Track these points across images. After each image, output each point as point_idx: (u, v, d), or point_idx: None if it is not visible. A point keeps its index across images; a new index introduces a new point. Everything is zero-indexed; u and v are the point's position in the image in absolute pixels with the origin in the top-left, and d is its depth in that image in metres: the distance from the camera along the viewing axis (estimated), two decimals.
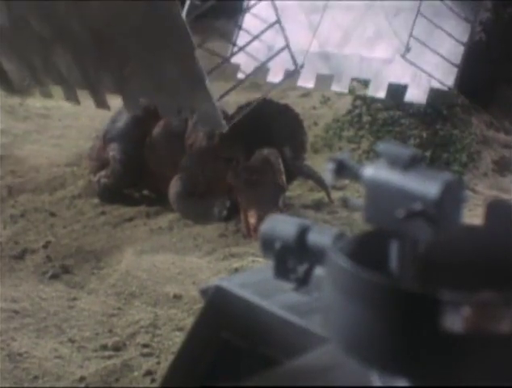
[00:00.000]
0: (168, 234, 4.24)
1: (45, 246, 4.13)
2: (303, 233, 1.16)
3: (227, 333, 1.32)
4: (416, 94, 4.48)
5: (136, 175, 4.38)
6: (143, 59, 3.83)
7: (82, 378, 3.04)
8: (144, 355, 3.18)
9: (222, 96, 3.68)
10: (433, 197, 0.87)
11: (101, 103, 4.14)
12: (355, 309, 0.87)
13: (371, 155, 4.90)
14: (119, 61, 3.96)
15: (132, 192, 4.65)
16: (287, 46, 3.91)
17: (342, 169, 0.99)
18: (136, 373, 3.08)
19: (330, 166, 1.00)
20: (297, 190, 4.77)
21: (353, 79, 4.73)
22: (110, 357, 3.17)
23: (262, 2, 4.19)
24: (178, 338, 3.24)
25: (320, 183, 4.53)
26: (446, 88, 4.50)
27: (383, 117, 5.22)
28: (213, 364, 1.35)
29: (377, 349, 0.87)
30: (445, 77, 4.45)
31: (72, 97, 4.35)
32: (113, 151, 4.49)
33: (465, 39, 4.60)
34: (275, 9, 3.93)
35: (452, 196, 0.89)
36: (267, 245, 1.19)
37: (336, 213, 4.48)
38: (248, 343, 1.28)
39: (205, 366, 1.37)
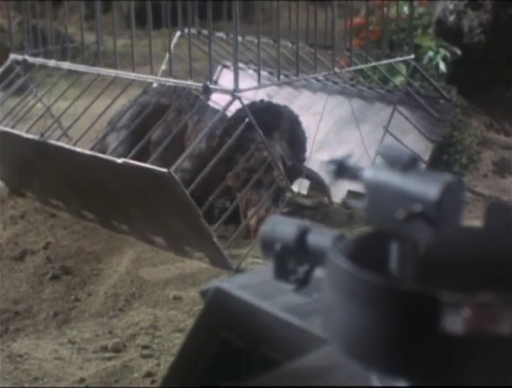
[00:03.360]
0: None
1: (45, 248, 4.13)
2: (303, 234, 1.16)
3: (227, 334, 1.32)
4: None
5: None
6: (148, 213, 4.08)
7: (82, 379, 3.04)
8: (144, 356, 3.18)
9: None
10: (433, 199, 0.87)
11: (106, 226, 4.33)
12: (355, 311, 0.87)
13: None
14: (123, 205, 4.21)
15: None
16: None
17: (341, 170, 0.99)
18: (136, 375, 3.08)
19: (330, 167, 1.00)
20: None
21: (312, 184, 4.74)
22: (110, 359, 3.17)
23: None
24: (178, 339, 3.24)
25: (320, 184, 4.53)
26: None
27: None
28: (213, 366, 1.36)
29: (377, 350, 0.87)
30: None
31: (75, 214, 4.53)
32: (114, 154, 4.49)
33: (434, 137, 4.75)
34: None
35: (452, 198, 0.89)
36: (267, 246, 1.19)
37: (336, 214, 4.48)
38: (248, 345, 1.28)
39: (205, 367, 1.37)
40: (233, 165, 4.12)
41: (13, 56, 5.14)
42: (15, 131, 4.61)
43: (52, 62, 4.95)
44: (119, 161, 3.94)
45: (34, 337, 3.35)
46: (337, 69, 4.57)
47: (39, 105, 4.98)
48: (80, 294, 3.71)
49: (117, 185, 4.14)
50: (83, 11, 4.96)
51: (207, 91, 4.15)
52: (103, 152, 4.54)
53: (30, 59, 5.06)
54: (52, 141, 4.39)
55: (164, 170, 3.76)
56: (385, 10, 4.97)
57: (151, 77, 4.48)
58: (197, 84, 4.22)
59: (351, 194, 4.37)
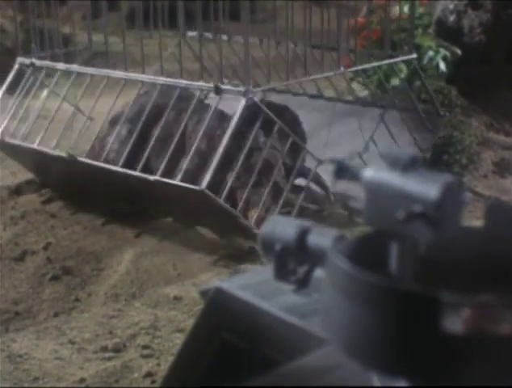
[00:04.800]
0: (168, 235, 4.24)
1: (45, 248, 4.13)
2: (303, 234, 1.16)
3: (227, 334, 1.32)
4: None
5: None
6: (187, 212, 4.33)
7: (82, 379, 3.04)
8: (144, 356, 3.19)
9: None
10: (433, 199, 0.87)
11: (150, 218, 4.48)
12: (355, 311, 0.87)
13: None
14: (163, 205, 4.48)
15: None
16: None
17: (341, 170, 0.99)
18: (136, 375, 3.08)
19: (330, 167, 1.00)
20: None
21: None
22: (110, 359, 3.17)
23: None
24: (179, 339, 3.24)
25: (320, 183, 4.53)
26: None
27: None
28: (213, 366, 1.36)
29: (377, 350, 0.87)
30: None
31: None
32: (113, 153, 4.49)
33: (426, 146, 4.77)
34: None
35: (452, 198, 0.89)
36: (267, 246, 1.19)
37: (336, 215, 4.48)
38: (248, 345, 1.28)
39: (205, 367, 1.37)
40: (234, 164, 4.12)
41: (20, 60, 5.09)
42: (44, 148, 4.61)
43: (60, 65, 4.91)
44: (152, 179, 4.05)
45: (34, 337, 3.35)
46: (343, 68, 4.57)
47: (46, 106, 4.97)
48: (80, 294, 3.71)
49: (153, 195, 4.27)
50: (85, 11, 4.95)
51: (218, 92, 4.14)
52: (103, 151, 4.55)
53: (37, 62, 5.02)
54: (82, 159, 4.43)
55: (197, 188, 3.87)
56: (388, 9, 4.97)
57: (161, 78, 4.46)
58: (208, 85, 4.22)
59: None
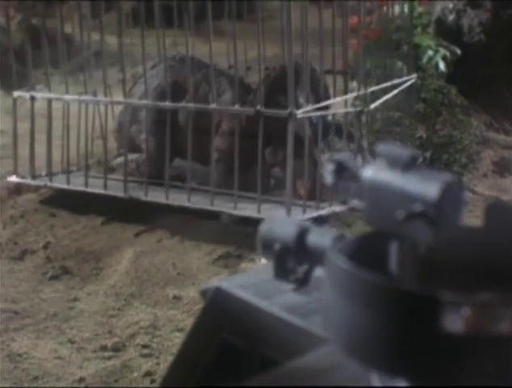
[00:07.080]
0: (168, 234, 4.24)
1: (45, 247, 4.13)
2: (302, 234, 1.16)
3: (227, 334, 1.32)
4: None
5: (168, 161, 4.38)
6: None
7: (82, 379, 3.04)
8: (143, 355, 3.19)
9: None
10: (432, 198, 0.87)
11: None
12: (355, 310, 0.87)
13: (371, 156, 4.89)
14: None
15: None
16: None
17: (341, 170, 0.99)
18: (135, 374, 3.08)
19: (330, 166, 1.00)
20: None
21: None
22: (109, 358, 3.17)
23: None
24: (178, 339, 3.24)
25: (351, 136, 4.48)
26: None
27: (383, 118, 5.21)
28: (213, 365, 1.36)
29: (377, 350, 0.87)
30: None
31: None
32: (144, 144, 4.55)
33: None
34: None
35: (452, 197, 0.89)
36: (267, 246, 1.19)
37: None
38: (248, 344, 1.28)
39: (205, 367, 1.37)
40: (267, 141, 4.08)
41: (17, 94, 4.77)
42: (100, 191, 4.50)
43: (67, 97, 4.69)
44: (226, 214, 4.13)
45: (34, 336, 3.35)
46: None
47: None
48: (80, 294, 3.71)
49: None
50: (84, 11, 4.90)
51: (259, 116, 4.02)
52: (128, 137, 4.57)
53: (38, 95, 4.75)
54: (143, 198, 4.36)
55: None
56: (389, 11, 4.95)
57: (190, 104, 4.30)
58: (248, 109, 4.11)
59: None
